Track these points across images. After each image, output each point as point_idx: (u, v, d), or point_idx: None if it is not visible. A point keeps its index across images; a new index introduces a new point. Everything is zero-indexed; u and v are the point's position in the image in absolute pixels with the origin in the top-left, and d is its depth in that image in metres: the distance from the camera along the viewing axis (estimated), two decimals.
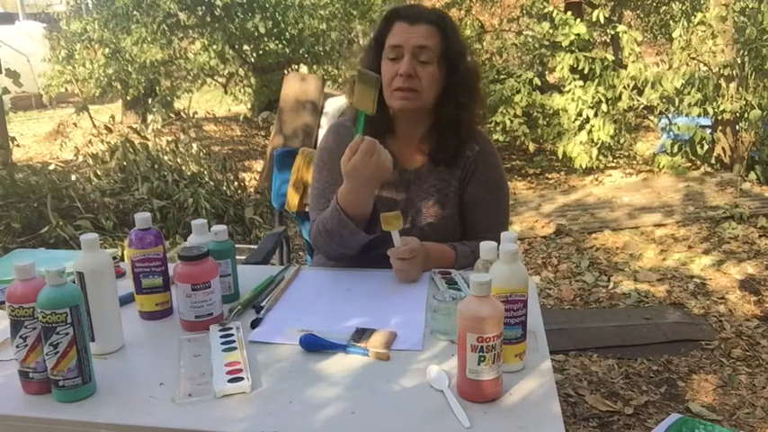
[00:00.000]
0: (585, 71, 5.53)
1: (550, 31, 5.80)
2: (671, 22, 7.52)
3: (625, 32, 5.48)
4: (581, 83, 5.55)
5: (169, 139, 5.22)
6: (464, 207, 1.69)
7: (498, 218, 1.71)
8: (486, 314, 1.00)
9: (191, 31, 6.95)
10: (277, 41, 7.12)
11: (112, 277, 1.24)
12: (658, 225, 4.31)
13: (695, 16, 5.41)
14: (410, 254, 1.48)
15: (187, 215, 3.86)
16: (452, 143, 1.66)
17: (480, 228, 1.68)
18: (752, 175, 5.11)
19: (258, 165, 6.50)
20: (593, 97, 5.46)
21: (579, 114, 5.55)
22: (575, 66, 5.54)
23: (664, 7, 8.23)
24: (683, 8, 7.15)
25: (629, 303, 3.26)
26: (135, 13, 6.57)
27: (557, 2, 7.39)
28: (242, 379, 1.08)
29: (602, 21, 5.67)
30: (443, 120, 1.65)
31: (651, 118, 6.24)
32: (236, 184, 4.78)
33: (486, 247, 1.24)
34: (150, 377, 1.13)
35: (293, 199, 2.22)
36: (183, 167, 4.51)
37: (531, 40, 6.88)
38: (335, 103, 5.25)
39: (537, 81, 5.93)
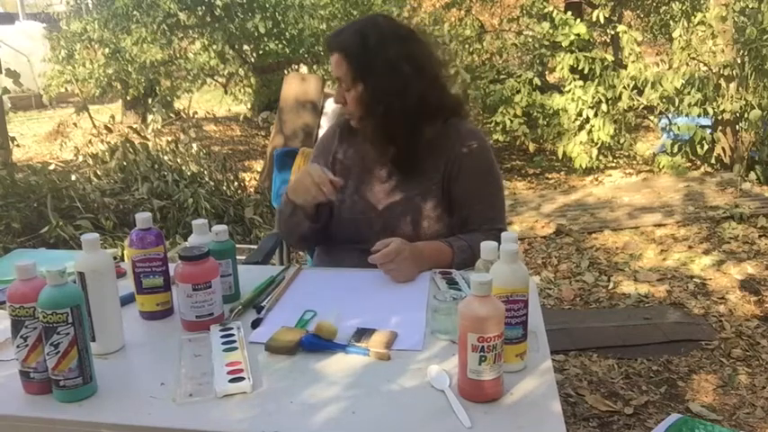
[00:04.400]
0: (585, 71, 5.52)
1: (550, 31, 5.79)
2: (671, 22, 7.51)
3: (625, 32, 5.47)
4: (581, 83, 5.55)
5: (169, 139, 5.22)
6: (457, 201, 1.69)
7: (494, 207, 1.71)
8: (487, 314, 1.00)
9: (191, 31, 6.94)
10: (277, 41, 7.12)
11: (113, 277, 1.24)
12: (658, 225, 4.31)
13: (695, 16, 5.41)
14: (387, 257, 1.48)
15: (187, 215, 3.85)
16: (405, 149, 1.65)
17: (477, 220, 1.67)
18: (752, 175, 5.11)
19: (258, 165, 6.50)
20: (593, 97, 5.46)
21: (579, 114, 5.54)
22: (575, 66, 5.54)
23: (664, 7, 8.21)
24: (683, 8, 7.14)
25: (629, 303, 3.27)
26: (135, 13, 6.56)
27: (557, 2, 7.38)
28: (243, 379, 1.08)
29: (602, 21, 5.67)
30: (381, 129, 1.65)
31: (651, 118, 6.24)
32: (236, 184, 4.78)
33: (486, 247, 1.24)
34: (151, 377, 1.13)
35: None
36: (183, 167, 4.50)
37: (531, 40, 6.87)
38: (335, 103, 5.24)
39: (537, 81, 5.93)
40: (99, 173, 4.25)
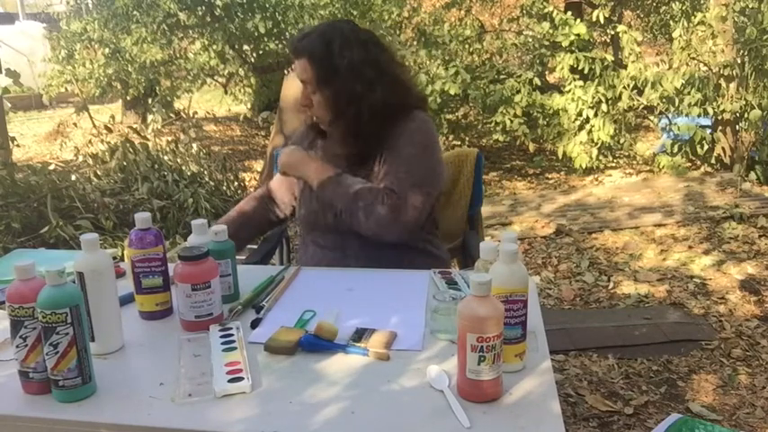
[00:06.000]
0: (585, 71, 5.52)
1: (550, 31, 5.79)
2: (671, 22, 7.50)
3: (625, 32, 5.47)
4: (581, 83, 5.54)
5: (169, 139, 5.21)
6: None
7: (398, 177, 1.65)
8: (486, 314, 1.00)
9: (191, 31, 6.93)
10: (277, 41, 7.11)
11: (112, 277, 1.24)
12: (658, 225, 4.30)
13: (695, 16, 5.41)
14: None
15: (187, 215, 3.85)
16: (359, 147, 1.70)
17: (382, 178, 1.67)
18: (752, 175, 5.11)
19: (258, 165, 6.50)
20: (593, 97, 5.45)
21: (579, 114, 5.54)
22: (575, 66, 5.54)
23: (664, 7, 8.22)
24: (683, 8, 7.14)
25: (629, 303, 3.26)
26: (135, 13, 6.56)
27: (557, 2, 7.38)
28: (242, 379, 1.08)
29: (602, 21, 5.67)
30: (352, 129, 1.70)
31: (651, 118, 6.24)
32: (236, 184, 4.78)
33: (486, 247, 1.24)
34: (150, 377, 1.13)
35: None
36: (183, 167, 4.50)
37: (531, 40, 6.87)
38: None
39: (537, 81, 5.92)
40: (99, 173, 4.25)
